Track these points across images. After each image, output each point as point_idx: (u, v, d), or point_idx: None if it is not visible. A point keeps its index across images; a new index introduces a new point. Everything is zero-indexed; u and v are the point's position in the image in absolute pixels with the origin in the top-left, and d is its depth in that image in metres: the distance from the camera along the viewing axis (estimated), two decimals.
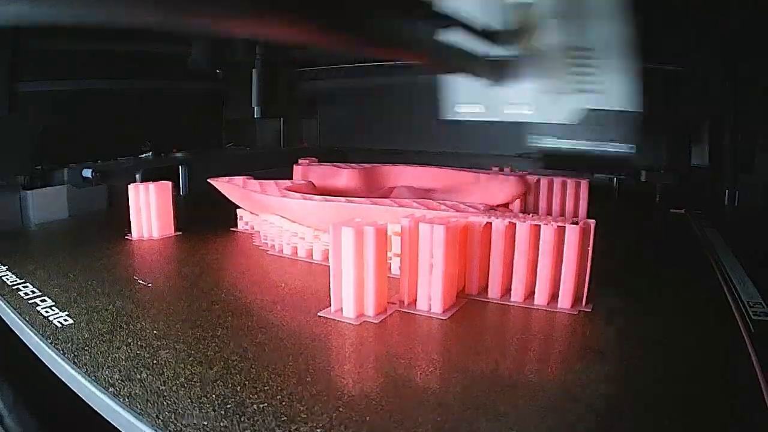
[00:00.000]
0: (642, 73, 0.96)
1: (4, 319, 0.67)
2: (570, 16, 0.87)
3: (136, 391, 0.47)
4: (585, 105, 0.91)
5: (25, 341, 0.61)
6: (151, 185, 0.96)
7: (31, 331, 0.60)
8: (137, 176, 1.25)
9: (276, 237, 0.88)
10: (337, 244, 0.59)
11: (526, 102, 0.94)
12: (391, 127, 1.78)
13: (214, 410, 0.44)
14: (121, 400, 0.46)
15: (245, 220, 1.02)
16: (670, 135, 1.50)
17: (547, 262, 0.63)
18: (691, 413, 0.45)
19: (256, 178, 0.98)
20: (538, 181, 1.03)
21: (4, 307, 0.68)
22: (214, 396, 0.46)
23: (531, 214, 0.68)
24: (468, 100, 0.99)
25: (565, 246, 0.62)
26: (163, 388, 0.48)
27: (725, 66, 1.36)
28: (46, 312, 0.64)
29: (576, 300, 0.64)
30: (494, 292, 0.67)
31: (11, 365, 0.66)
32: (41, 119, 1.24)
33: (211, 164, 1.44)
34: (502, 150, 1.51)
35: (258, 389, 0.47)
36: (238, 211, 1.03)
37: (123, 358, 0.53)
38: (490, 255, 0.66)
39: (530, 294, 0.66)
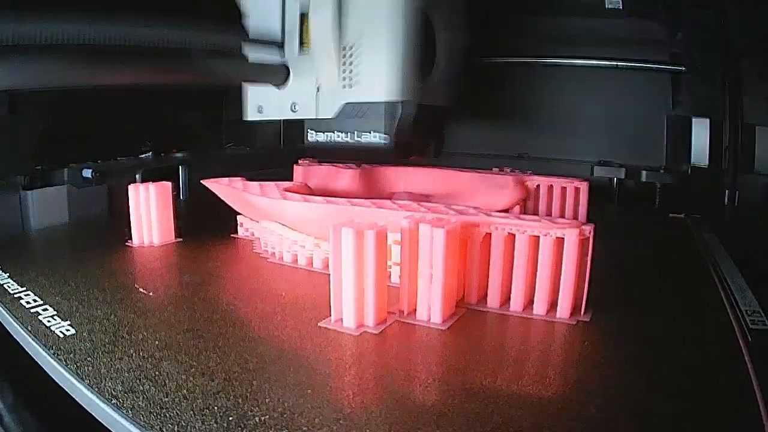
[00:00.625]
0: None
1: (7, 327, 0.68)
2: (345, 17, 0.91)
3: (140, 403, 0.47)
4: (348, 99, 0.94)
5: (28, 352, 0.61)
6: (151, 185, 0.96)
7: (34, 341, 0.60)
8: (137, 176, 1.25)
9: (276, 245, 0.88)
10: (337, 245, 0.59)
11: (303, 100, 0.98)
12: None
13: (216, 422, 0.44)
14: (125, 412, 0.46)
15: (245, 226, 1.02)
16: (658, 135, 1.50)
17: (546, 273, 0.63)
18: (685, 427, 0.45)
19: (248, 179, 0.96)
20: (538, 186, 1.03)
21: (7, 316, 0.68)
22: (216, 408, 0.47)
23: (531, 216, 0.68)
24: (261, 102, 1.03)
25: (564, 257, 0.62)
26: (166, 399, 0.48)
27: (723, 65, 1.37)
28: (48, 322, 0.65)
29: (575, 309, 0.64)
30: (493, 301, 0.67)
31: (11, 365, 0.66)
32: (41, 119, 1.24)
33: (211, 164, 1.44)
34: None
35: (259, 401, 0.48)
36: (238, 217, 1.04)
37: (125, 369, 0.54)
38: (489, 264, 0.67)
39: (529, 303, 0.66)
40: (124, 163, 1.33)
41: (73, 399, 0.52)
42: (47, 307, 0.69)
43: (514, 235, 0.65)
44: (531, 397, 0.49)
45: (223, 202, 1.01)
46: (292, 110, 1.00)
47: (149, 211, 0.96)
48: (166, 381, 0.51)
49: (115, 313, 0.67)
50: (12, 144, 1.16)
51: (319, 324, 0.63)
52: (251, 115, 1.06)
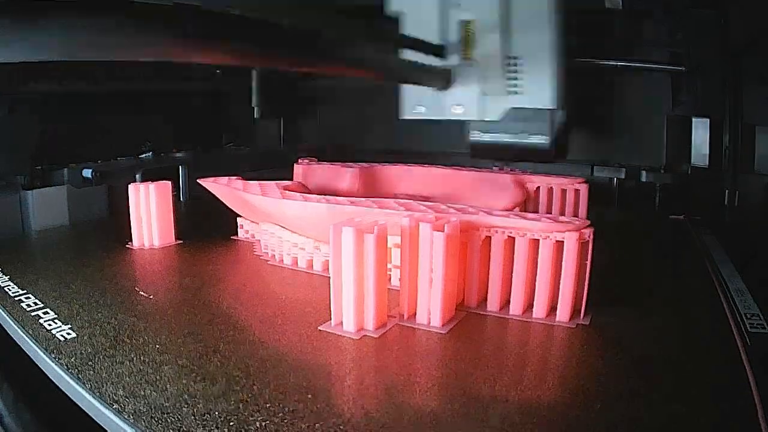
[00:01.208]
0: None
1: (8, 331, 0.68)
2: (504, 28, 1.04)
3: (141, 408, 0.48)
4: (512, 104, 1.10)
5: (30, 355, 0.62)
6: (151, 185, 0.96)
7: (35, 345, 0.60)
8: (137, 176, 1.25)
9: (276, 247, 0.88)
10: (337, 244, 0.59)
11: (466, 103, 1.13)
12: (385, 126, 1.79)
13: (218, 427, 0.45)
14: (126, 416, 0.47)
15: (245, 228, 1.02)
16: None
17: (545, 276, 0.63)
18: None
19: (245, 179, 0.97)
20: (538, 188, 1.03)
21: (8, 319, 0.68)
22: (217, 413, 0.47)
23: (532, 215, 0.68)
24: (419, 102, 1.18)
25: (563, 260, 0.62)
26: (167, 404, 0.48)
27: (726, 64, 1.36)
28: (49, 325, 0.65)
29: (574, 313, 0.64)
30: (493, 304, 0.67)
31: (11, 365, 0.67)
32: (41, 119, 1.24)
33: (211, 164, 1.45)
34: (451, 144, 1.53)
35: (260, 406, 0.48)
36: (238, 219, 1.04)
37: (126, 373, 0.54)
38: (489, 268, 0.67)
39: (529, 306, 0.67)
40: (124, 163, 1.33)
41: (73, 400, 0.52)
42: (48, 310, 0.69)
43: (513, 239, 0.65)
44: (530, 402, 0.49)
45: (222, 202, 1.01)
46: (454, 112, 1.13)
47: (149, 213, 0.96)
48: (167, 385, 0.51)
49: (115, 316, 0.68)
50: (12, 144, 1.16)
51: (319, 328, 0.63)
52: (408, 113, 1.19)
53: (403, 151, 1.58)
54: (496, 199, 0.96)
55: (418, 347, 0.59)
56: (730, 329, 0.63)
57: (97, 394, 0.50)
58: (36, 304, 0.71)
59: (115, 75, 1.43)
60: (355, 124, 1.82)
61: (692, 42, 1.41)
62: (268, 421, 0.46)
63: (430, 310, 0.62)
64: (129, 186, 0.96)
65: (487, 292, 0.68)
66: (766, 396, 0.49)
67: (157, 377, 0.53)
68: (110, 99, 1.45)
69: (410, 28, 1.06)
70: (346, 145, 1.75)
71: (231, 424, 0.45)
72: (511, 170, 1.21)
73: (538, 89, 1.07)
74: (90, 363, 0.56)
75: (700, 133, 1.40)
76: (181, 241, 1.01)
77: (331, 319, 0.63)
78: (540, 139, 1.11)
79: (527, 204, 1.04)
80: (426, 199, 1.05)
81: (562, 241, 0.62)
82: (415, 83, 1.11)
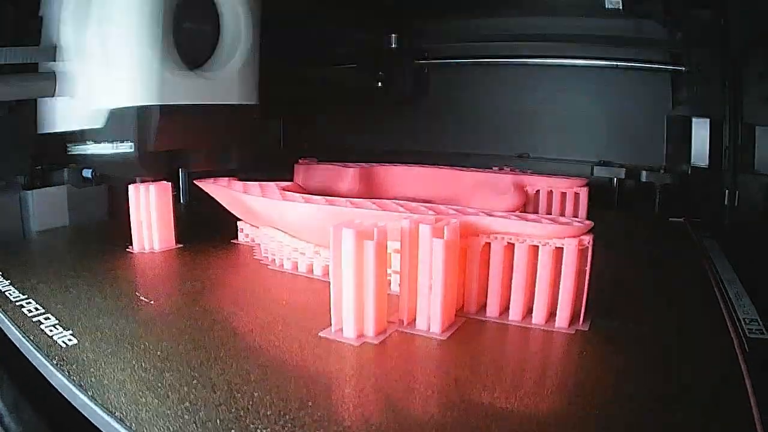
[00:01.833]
0: None
1: (9, 336, 0.68)
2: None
3: (143, 416, 0.48)
4: None
5: (31, 361, 0.62)
6: (152, 186, 0.96)
7: (37, 351, 0.61)
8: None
9: (276, 251, 0.88)
10: (337, 245, 0.60)
11: None
12: (390, 127, 1.79)
13: None
14: (128, 424, 0.47)
15: (246, 232, 1.03)
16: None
17: (544, 283, 0.63)
18: None
19: (240, 179, 0.96)
20: (538, 192, 1.04)
21: (9, 325, 0.68)
22: (218, 421, 0.47)
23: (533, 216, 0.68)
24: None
25: (563, 267, 0.63)
26: (169, 412, 0.48)
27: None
28: (51, 331, 0.65)
29: (573, 318, 0.65)
30: (492, 310, 0.68)
31: (11, 365, 0.67)
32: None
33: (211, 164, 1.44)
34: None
35: (261, 414, 0.48)
36: (238, 223, 1.04)
37: (128, 380, 0.54)
38: (488, 274, 0.67)
39: (528, 312, 0.67)
40: None
41: None
42: (49, 315, 0.70)
43: (513, 245, 0.66)
44: (529, 409, 0.49)
45: (222, 205, 1.01)
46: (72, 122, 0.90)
47: (149, 217, 0.96)
48: (169, 393, 0.52)
49: (117, 322, 0.68)
50: (12, 144, 1.16)
51: (319, 334, 0.63)
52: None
53: (403, 152, 1.59)
54: (496, 202, 0.96)
55: (418, 354, 0.60)
56: (729, 335, 0.64)
57: (99, 401, 0.51)
58: (37, 309, 0.72)
59: None
60: (355, 123, 1.83)
61: (692, 42, 1.41)
62: (268, 429, 0.46)
63: (430, 317, 0.63)
64: (129, 186, 0.96)
65: (486, 298, 0.68)
66: (764, 402, 0.49)
67: (159, 384, 0.53)
68: None
69: (45, 31, 0.88)
70: (346, 146, 1.76)
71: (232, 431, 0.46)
72: (511, 170, 1.22)
73: (118, 81, 0.80)
74: (92, 369, 0.56)
75: (700, 133, 1.40)
76: (182, 245, 1.01)
77: (331, 325, 0.64)
78: (126, 147, 0.85)
79: (527, 207, 1.04)
80: (426, 200, 1.05)
81: (562, 248, 0.63)
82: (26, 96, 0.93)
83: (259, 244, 0.97)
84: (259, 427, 0.46)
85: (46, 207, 1.13)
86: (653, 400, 0.51)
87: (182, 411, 0.49)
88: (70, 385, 0.54)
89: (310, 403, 0.50)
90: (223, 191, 0.94)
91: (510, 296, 0.67)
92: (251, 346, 0.62)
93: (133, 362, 0.58)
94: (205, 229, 1.12)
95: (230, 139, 1.03)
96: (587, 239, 0.62)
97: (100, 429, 0.49)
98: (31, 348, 0.62)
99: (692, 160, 1.42)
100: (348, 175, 1.16)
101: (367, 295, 0.61)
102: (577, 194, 1.02)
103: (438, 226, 0.61)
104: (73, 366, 0.57)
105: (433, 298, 0.62)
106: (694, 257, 0.98)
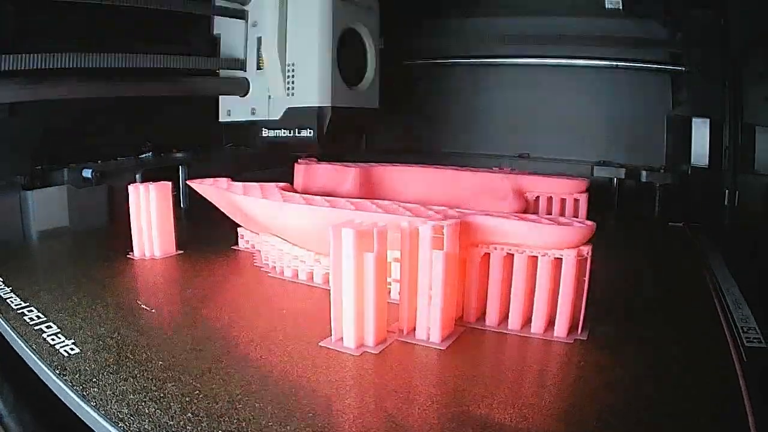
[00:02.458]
0: None
1: (12, 344, 0.69)
2: (282, 40, 1.30)
3: (146, 427, 0.48)
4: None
5: (34, 370, 0.62)
6: (151, 186, 0.96)
7: (40, 361, 0.61)
8: (137, 176, 1.25)
9: (277, 259, 0.89)
10: (338, 245, 0.60)
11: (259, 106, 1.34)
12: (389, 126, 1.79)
13: None
14: None
15: (246, 238, 1.03)
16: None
17: (543, 294, 0.64)
18: None
19: (234, 179, 0.97)
20: (538, 198, 1.04)
21: (11, 333, 0.69)
22: None
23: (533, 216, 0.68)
24: (230, 107, 1.39)
25: (561, 277, 0.63)
26: (171, 423, 0.49)
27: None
28: (53, 340, 0.66)
29: (572, 328, 0.65)
30: (492, 320, 0.68)
31: (11, 366, 0.67)
32: (41, 119, 1.24)
33: (211, 164, 1.45)
34: None
35: (263, 425, 0.49)
36: (238, 229, 1.04)
37: (130, 390, 0.55)
38: (487, 283, 0.67)
39: (527, 321, 0.67)
40: (124, 163, 1.33)
41: None
42: (51, 324, 0.70)
43: (512, 255, 0.66)
44: (527, 420, 0.50)
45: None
46: (252, 113, 1.33)
47: (150, 222, 0.96)
48: (171, 403, 0.52)
49: (118, 330, 0.68)
50: (12, 144, 1.16)
51: (320, 344, 0.64)
52: (222, 117, 1.40)
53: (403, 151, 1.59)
54: (495, 208, 0.96)
55: (418, 364, 0.60)
56: (727, 344, 0.64)
57: (103, 412, 0.51)
58: (39, 317, 0.72)
59: (117, 75, 1.42)
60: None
61: (692, 42, 1.41)
62: None
63: (429, 327, 0.63)
64: (129, 186, 0.97)
65: (485, 307, 0.69)
66: (760, 412, 0.50)
67: (161, 395, 0.54)
68: (111, 99, 1.44)
69: (225, 47, 1.34)
70: (346, 146, 1.75)
71: None
72: (512, 170, 1.22)
73: (308, 90, 1.23)
74: (94, 380, 0.57)
75: (700, 133, 1.40)
76: (182, 252, 1.01)
77: (331, 334, 0.64)
78: (308, 133, 1.25)
79: (527, 211, 1.04)
80: (426, 202, 1.05)
81: (561, 258, 0.63)
82: (223, 93, 1.37)
83: (260, 251, 0.97)
84: None
85: (46, 207, 1.14)
86: (649, 411, 0.51)
87: (185, 422, 0.49)
88: (73, 395, 0.55)
89: (310, 414, 0.50)
90: (213, 190, 0.94)
91: (509, 305, 0.67)
92: (252, 355, 0.62)
93: (136, 372, 0.58)
94: (205, 234, 1.13)
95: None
96: (586, 250, 0.63)
97: None
98: (34, 357, 0.62)
99: (692, 161, 1.42)
100: (348, 175, 1.16)
101: (368, 305, 0.61)
102: (576, 200, 1.02)
103: (437, 225, 0.61)
104: (76, 376, 0.57)
105: (432, 308, 0.62)
106: (693, 264, 0.98)
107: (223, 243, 1.05)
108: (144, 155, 1.43)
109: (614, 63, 1.53)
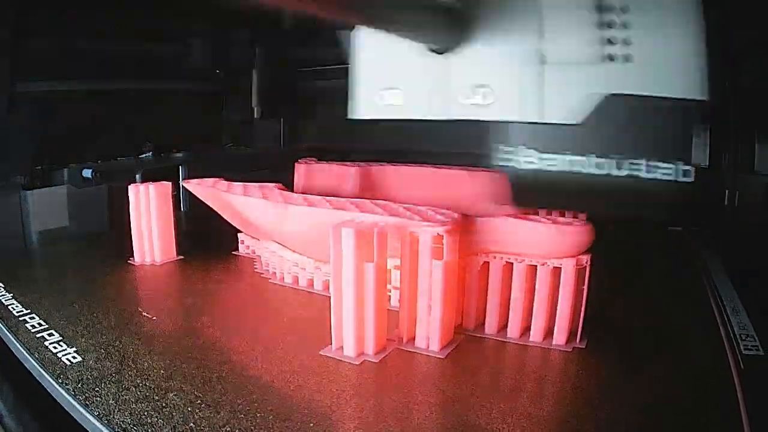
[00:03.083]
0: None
1: (14, 351, 0.69)
2: None
3: None
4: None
5: (37, 378, 0.63)
6: (151, 186, 0.96)
7: (42, 369, 0.62)
8: (137, 176, 1.25)
9: (277, 266, 0.89)
10: (338, 245, 0.60)
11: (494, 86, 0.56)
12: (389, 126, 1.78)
13: None
14: None
15: (246, 243, 1.03)
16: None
17: (542, 302, 0.64)
18: None
19: (227, 179, 0.97)
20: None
21: (13, 340, 0.69)
22: None
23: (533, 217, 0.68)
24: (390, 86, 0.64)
25: (560, 286, 0.63)
26: None
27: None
28: (54, 348, 0.66)
29: (571, 336, 0.66)
30: (491, 328, 0.69)
31: (11, 366, 0.67)
32: (41, 119, 1.24)
33: (212, 165, 1.45)
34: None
35: None
36: (239, 234, 1.04)
37: (133, 400, 0.55)
38: (486, 291, 0.68)
39: (526, 329, 0.68)
40: (124, 163, 1.33)
41: None
42: (53, 331, 0.70)
43: (512, 264, 0.66)
44: (524, 429, 0.50)
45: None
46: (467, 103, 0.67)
47: (150, 226, 0.97)
48: (173, 413, 0.53)
49: (120, 338, 0.69)
50: (12, 144, 1.16)
51: (320, 352, 0.64)
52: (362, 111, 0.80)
53: (405, 151, 1.58)
54: (496, 208, 0.96)
55: (417, 373, 0.61)
56: (725, 352, 0.64)
57: (106, 421, 0.52)
58: (41, 324, 0.72)
59: (116, 75, 1.43)
60: (355, 123, 1.82)
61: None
62: None
63: (429, 336, 0.64)
64: (129, 186, 0.97)
65: (485, 314, 0.69)
66: (756, 421, 0.50)
67: (163, 404, 0.54)
68: (111, 99, 1.44)
69: None
70: (346, 145, 1.75)
71: None
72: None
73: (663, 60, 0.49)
74: (97, 389, 0.57)
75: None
76: (182, 257, 1.01)
77: (331, 343, 0.65)
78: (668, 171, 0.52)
79: (527, 212, 1.04)
80: (426, 204, 1.05)
81: (560, 267, 0.63)
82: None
83: (260, 257, 0.97)
84: None
85: (46, 207, 1.14)
86: (647, 419, 0.52)
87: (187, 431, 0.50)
88: (76, 404, 0.55)
89: (312, 424, 0.51)
90: (208, 191, 0.94)
91: (508, 313, 0.68)
92: (253, 364, 0.63)
93: (138, 381, 0.59)
94: (205, 238, 1.13)
95: None
96: (585, 259, 0.63)
97: None
98: (37, 366, 0.63)
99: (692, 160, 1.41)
100: (348, 175, 1.15)
101: (368, 314, 0.62)
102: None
103: (437, 234, 0.61)
104: (78, 385, 0.58)
105: (431, 318, 0.63)
106: (693, 269, 0.98)
107: (224, 247, 1.05)
108: (144, 155, 1.44)
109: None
